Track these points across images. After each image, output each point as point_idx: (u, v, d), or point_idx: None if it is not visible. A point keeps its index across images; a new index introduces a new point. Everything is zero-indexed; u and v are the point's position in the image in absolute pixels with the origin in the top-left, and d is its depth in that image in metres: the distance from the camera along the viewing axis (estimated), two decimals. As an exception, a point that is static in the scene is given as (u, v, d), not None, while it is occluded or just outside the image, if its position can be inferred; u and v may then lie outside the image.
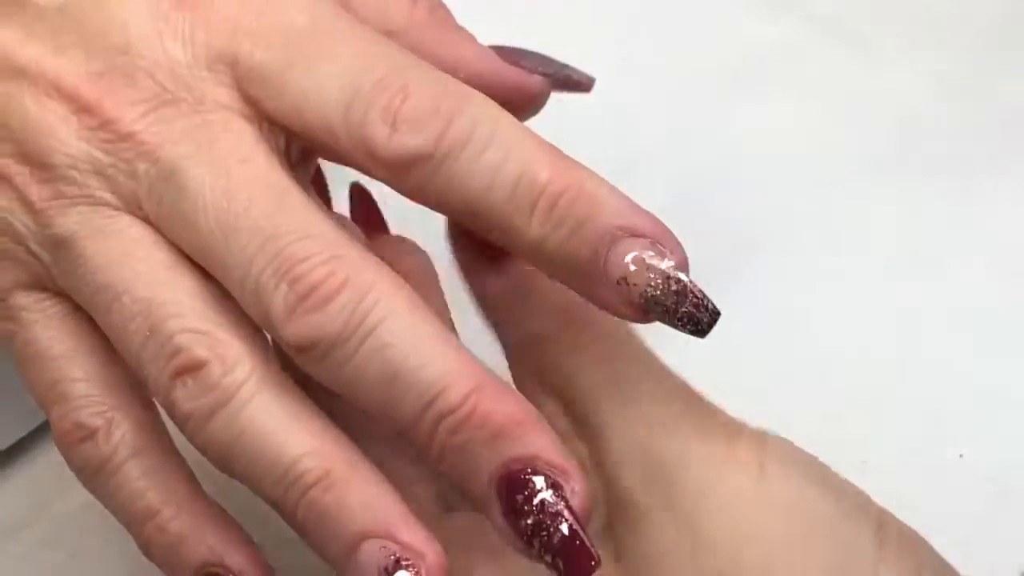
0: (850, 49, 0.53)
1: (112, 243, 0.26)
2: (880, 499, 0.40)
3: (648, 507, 0.25)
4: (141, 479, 0.27)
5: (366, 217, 0.35)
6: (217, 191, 0.25)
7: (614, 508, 0.26)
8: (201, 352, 0.25)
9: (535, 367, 0.28)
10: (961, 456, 0.41)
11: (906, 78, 0.51)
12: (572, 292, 0.25)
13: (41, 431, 0.44)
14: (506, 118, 0.25)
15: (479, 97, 0.25)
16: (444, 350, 0.24)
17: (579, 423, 0.27)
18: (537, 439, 0.23)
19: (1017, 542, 0.39)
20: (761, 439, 0.25)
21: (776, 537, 0.24)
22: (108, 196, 0.26)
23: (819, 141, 0.50)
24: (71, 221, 0.26)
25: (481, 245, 0.28)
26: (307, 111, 0.25)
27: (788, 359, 0.44)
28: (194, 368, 0.25)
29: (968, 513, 0.39)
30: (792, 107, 0.51)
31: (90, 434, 0.27)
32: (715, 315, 0.24)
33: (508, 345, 0.29)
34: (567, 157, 0.25)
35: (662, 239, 0.24)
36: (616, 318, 0.25)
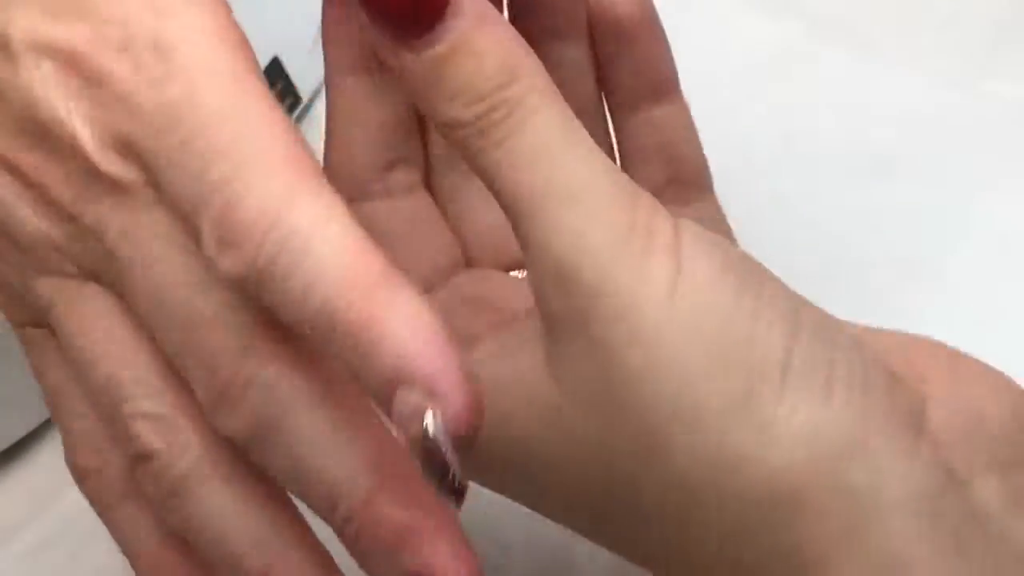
0: (850, 49, 0.53)
1: (82, 312, 0.27)
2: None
3: (571, 332, 0.24)
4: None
5: None
6: (145, 278, 0.26)
7: (545, 322, 0.25)
8: (153, 440, 0.26)
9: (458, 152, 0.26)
10: (961, 456, 0.41)
11: (906, 78, 0.51)
12: (494, 76, 0.24)
13: (41, 431, 0.44)
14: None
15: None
16: (346, 448, 0.24)
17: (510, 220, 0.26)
18: (435, 547, 0.23)
19: (1017, 542, 0.39)
20: (675, 243, 0.24)
21: (686, 370, 0.23)
22: (71, 268, 0.27)
23: (819, 141, 0.50)
24: (47, 290, 0.27)
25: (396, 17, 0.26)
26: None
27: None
28: (146, 457, 0.26)
29: (968, 513, 0.39)
30: (792, 107, 0.51)
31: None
32: (456, 493, 0.22)
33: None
34: (381, 274, 0.23)
35: (437, 383, 0.22)
36: (546, 106, 0.25)
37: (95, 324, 0.27)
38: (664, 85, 0.31)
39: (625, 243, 0.24)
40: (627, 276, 0.24)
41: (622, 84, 0.30)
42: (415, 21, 0.24)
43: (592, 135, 0.28)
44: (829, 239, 0.47)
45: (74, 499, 0.44)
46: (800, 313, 0.25)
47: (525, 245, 0.25)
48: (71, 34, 0.25)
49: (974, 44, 0.52)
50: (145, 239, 0.26)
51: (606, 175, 0.25)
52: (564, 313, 0.24)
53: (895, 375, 0.25)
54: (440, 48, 0.24)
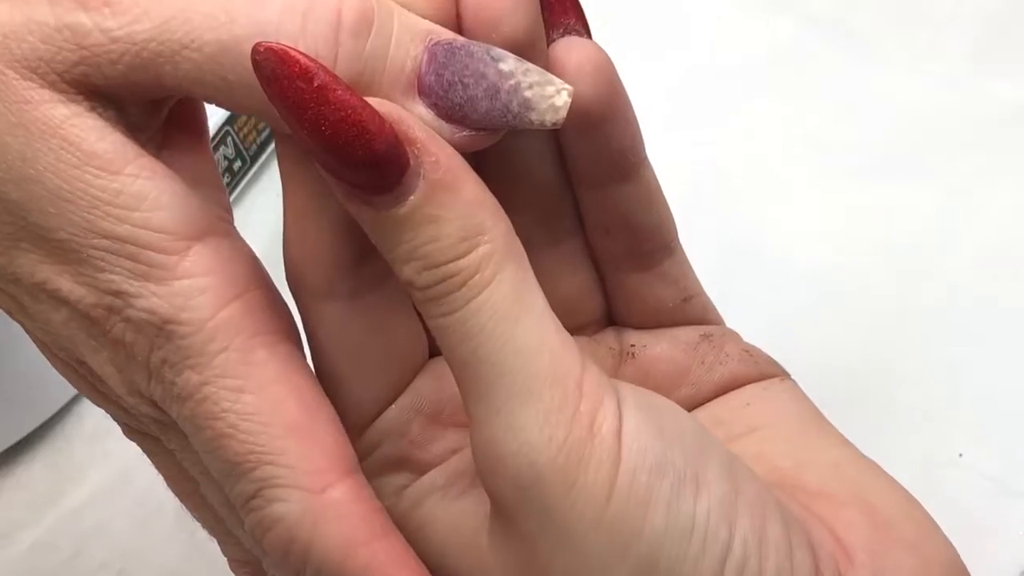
0: (850, 49, 0.53)
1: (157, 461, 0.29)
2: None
3: (505, 515, 0.24)
4: None
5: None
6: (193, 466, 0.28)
7: (490, 498, 0.25)
8: None
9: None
10: (961, 456, 0.41)
11: (906, 78, 0.51)
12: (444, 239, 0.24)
13: (41, 431, 0.44)
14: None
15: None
16: None
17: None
18: None
19: (1017, 542, 0.39)
20: (615, 438, 0.24)
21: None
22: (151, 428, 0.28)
23: (819, 141, 0.50)
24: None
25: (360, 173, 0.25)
26: None
27: (786, 358, 0.44)
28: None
29: (968, 513, 0.40)
30: (792, 107, 0.51)
31: None
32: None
33: None
34: None
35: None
36: (499, 277, 0.24)
37: (167, 472, 0.29)
38: (630, 165, 0.28)
39: (563, 441, 0.23)
40: (561, 478, 0.23)
41: (586, 164, 0.28)
42: (372, 178, 0.23)
43: (554, 211, 0.28)
44: (828, 237, 0.47)
45: (74, 499, 0.44)
46: (735, 522, 0.24)
47: (469, 416, 0.24)
48: (77, 295, 0.25)
49: (974, 44, 0.52)
50: (188, 460, 0.27)
51: (553, 354, 0.24)
52: (498, 496, 0.24)
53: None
54: (398, 210, 0.23)
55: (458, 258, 0.24)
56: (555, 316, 0.25)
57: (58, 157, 0.24)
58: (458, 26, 0.25)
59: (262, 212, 0.50)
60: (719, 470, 0.24)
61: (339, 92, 0.22)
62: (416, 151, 0.23)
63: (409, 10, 0.25)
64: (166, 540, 0.42)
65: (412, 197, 0.23)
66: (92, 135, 0.25)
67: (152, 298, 0.25)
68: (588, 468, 0.23)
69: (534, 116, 0.24)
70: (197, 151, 0.28)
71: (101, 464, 0.44)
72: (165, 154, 0.27)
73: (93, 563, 0.42)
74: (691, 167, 0.49)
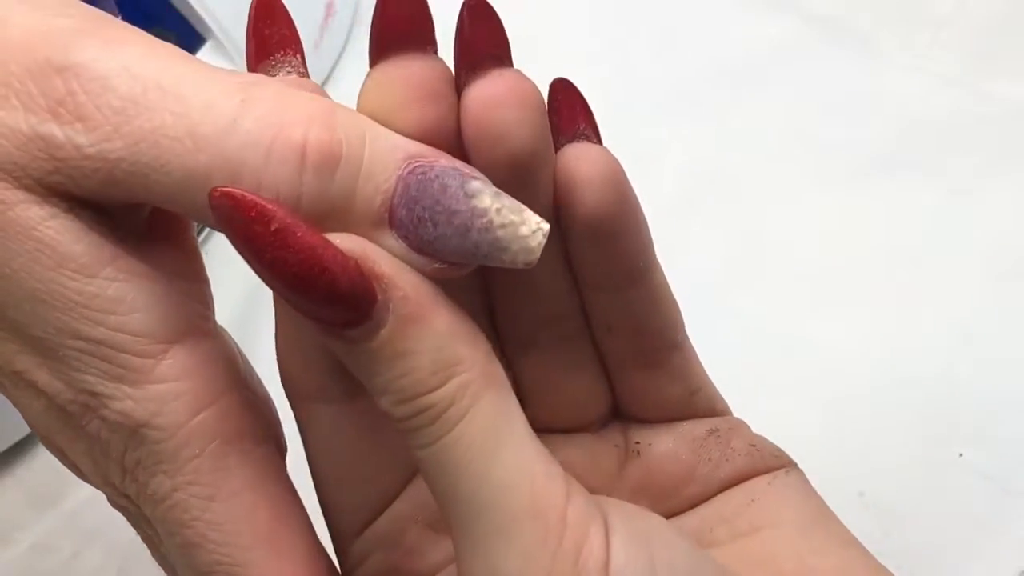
0: (850, 49, 0.53)
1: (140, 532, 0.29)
2: (880, 499, 0.41)
3: None
4: None
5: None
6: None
7: None
8: None
9: None
10: (961, 456, 0.41)
11: (906, 78, 0.51)
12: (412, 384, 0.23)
13: (41, 431, 0.44)
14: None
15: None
16: None
17: None
18: None
19: (1017, 542, 0.39)
20: (603, 568, 0.23)
21: None
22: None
23: (819, 141, 0.50)
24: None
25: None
26: None
27: (787, 357, 0.44)
28: None
29: (968, 513, 0.40)
30: (792, 107, 0.51)
31: None
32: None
33: None
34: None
35: None
36: (475, 408, 0.23)
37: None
38: (638, 272, 0.27)
39: None
40: None
41: (594, 270, 0.27)
42: (339, 315, 0.23)
43: (560, 312, 0.27)
44: (827, 238, 0.47)
45: (74, 499, 0.44)
46: None
47: (455, 549, 0.24)
48: (54, 389, 0.25)
49: (974, 44, 0.52)
50: (164, 547, 0.27)
51: (534, 486, 0.23)
52: None
53: None
54: (369, 344, 0.23)
55: (431, 391, 0.23)
56: (537, 441, 0.24)
57: (33, 259, 0.24)
58: (458, 139, 0.24)
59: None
60: None
61: (299, 235, 0.22)
62: (383, 286, 0.23)
63: (391, 128, 0.24)
64: (166, 540, 0.42)
65: (382, 331, 0.23)
66: (68, 237, 0.24)
67: (127, 401, 0.24)
68: None
69: (506, 256, 0.23)
70: (180, 242, 0.27)
71: (101, 464, 0.44)
72: (147, 246, 0.26)
73: (92, 564, 0.42)
74: (689, 165, 0.49)
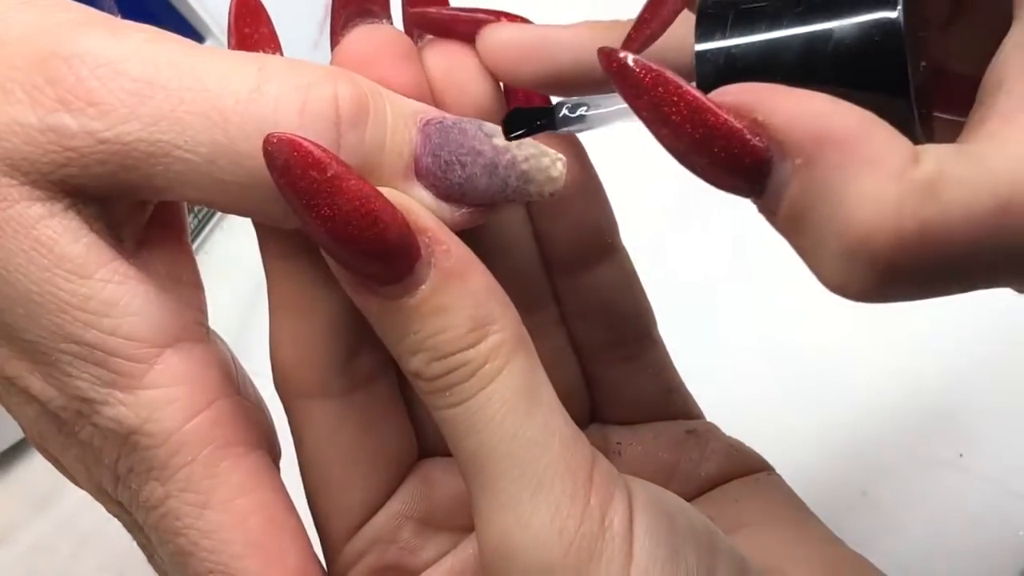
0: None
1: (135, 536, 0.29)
2: (880, 499, 0.41)
3: None
4: None
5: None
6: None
7: None
8: None
9: None
10: (961, 456, 0.41)
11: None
12: (441, 336, 0.24)
13: (40, 431, 0.44)
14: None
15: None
16: None
17: None
18: None
19: (1017, 542, 0.39)
20: (627, 529, 0.23)
21: None
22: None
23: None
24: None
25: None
26: None
27: (787, 356, 0.44)
28: None
29: (968, 513, 0.40)
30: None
31: None
32: None
33: None
34: None
35: None
36: (509, 368, 0.24)
37: None
38: (603, 245, 0.28)
39: (574, 535, 0.23)
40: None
41: (561, 245, 0.28)
42: (383, 269, 0.23)
43: (535, 302, 0.28)
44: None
45: (74, 499, 0.44)
46: None
47: (474, 511, 0.24)
48: (47, 396, 0.25)
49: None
50: (157, 553, 0.26)
51: (564, 445, 0.24)
52: None
53: None
54: (407, 300, 0.23)
55: (468, 348, 0.23)
56: (562, 406, 0.24)
57: (29, 259, 0.24)
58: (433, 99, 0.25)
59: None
60: (729, 568, 0.24)
61: (352, 182, 0.22)
62: (427, 240, 0.23)
63: (394, 91, 0.25)
64: (166, 541, 0.42)
65: (423, 287, 0.23)
66: (65, 237, 0.24)
67: (119, 407, 0.24)
68: (599, 565, 0.23)
69: (532, 188, 0.24)
70: (177, 248, 0.27)
71: (101, 465, 0.44)
72: (144, 251, 0.26)
73: (92, 565, 0.42)
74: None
